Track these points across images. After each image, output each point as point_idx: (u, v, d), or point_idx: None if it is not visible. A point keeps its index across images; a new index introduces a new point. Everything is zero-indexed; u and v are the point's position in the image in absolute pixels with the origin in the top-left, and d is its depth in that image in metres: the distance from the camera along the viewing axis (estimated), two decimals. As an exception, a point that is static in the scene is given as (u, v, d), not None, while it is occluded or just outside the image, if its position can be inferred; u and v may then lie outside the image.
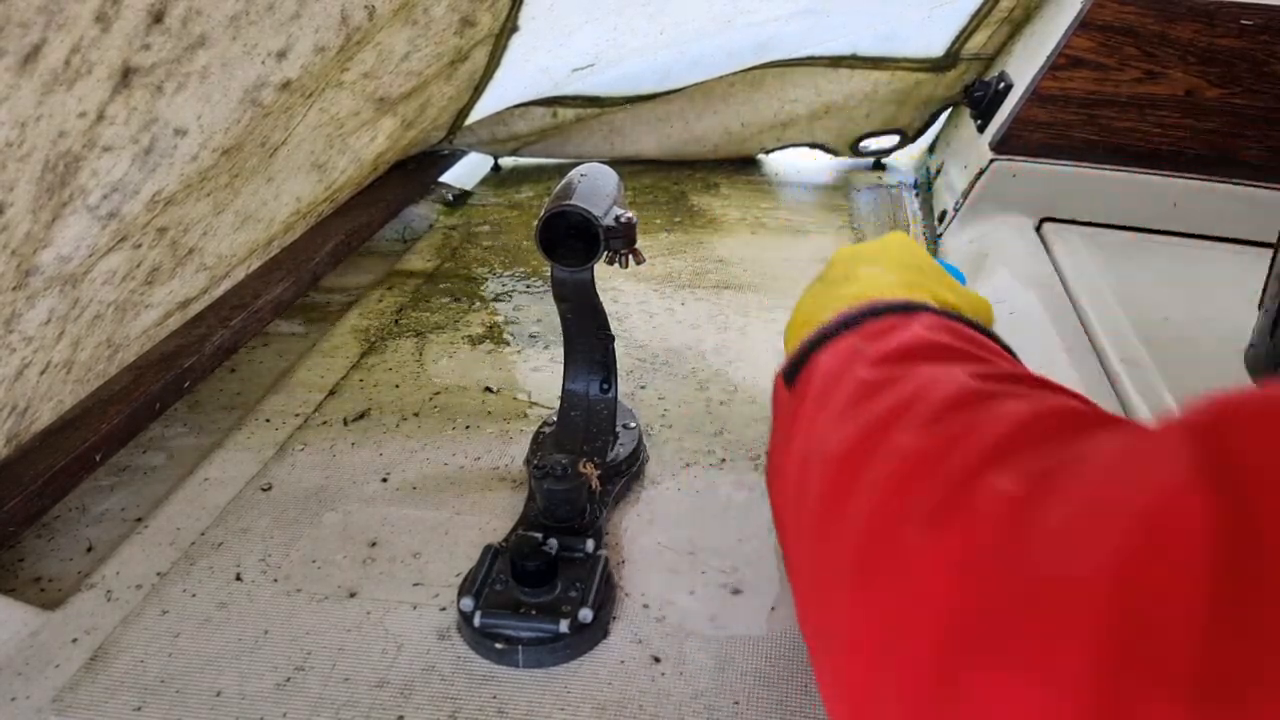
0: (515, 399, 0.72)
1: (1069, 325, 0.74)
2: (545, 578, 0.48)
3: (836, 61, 1.14)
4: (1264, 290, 0.66)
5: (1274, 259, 0.65)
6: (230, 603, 0.52)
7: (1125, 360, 0.68)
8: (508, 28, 0.88)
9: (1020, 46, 1.06)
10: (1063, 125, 0.94)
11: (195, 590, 0.53)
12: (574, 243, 0.56)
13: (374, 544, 0.56)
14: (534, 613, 0.48)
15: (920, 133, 1.23)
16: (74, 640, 0.49)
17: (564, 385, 0.63)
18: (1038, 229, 0.96)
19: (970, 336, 0.38)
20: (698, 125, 1.20)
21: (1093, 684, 0.21)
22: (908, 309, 0.40)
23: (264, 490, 0.61)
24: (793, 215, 1.10)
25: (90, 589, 0.53)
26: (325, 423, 0.69)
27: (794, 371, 0.40)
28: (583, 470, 0.54)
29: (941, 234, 1.01)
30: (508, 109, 1.14)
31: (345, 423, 0.69)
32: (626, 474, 0.60)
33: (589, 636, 0.48)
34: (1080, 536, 0.23)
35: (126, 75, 0.47)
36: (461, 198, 1.16)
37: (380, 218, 1.01)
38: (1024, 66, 0.99)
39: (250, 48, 0.55)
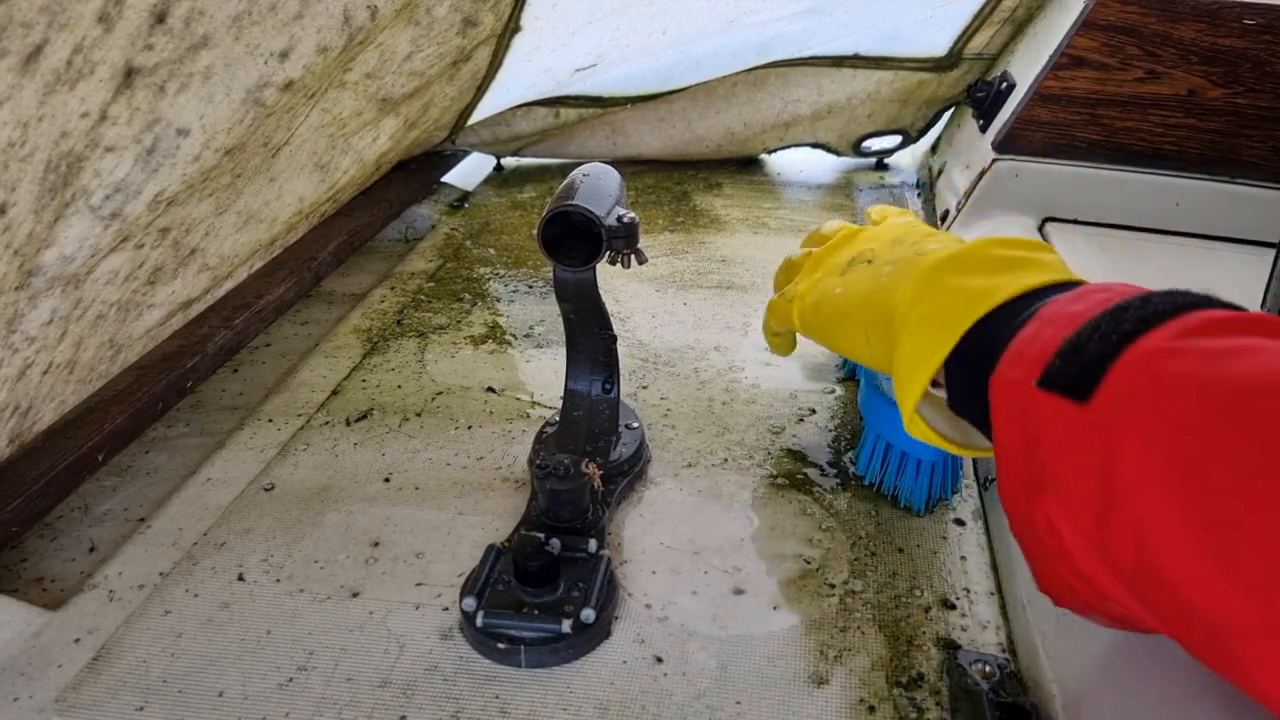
0: (517, 399, 0.72)
1: (1072, 325, 0.74)
2: (548, 578, 0.48)
3: (839, 61, 1.14)
4: (1266, 290, 0.66)
5: (1276, 259, 0.65)
6: (233, 603, 0.52)
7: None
8: (510, 28, 0.88)
9: (1023, 46, 1.06)
10: (1065, 125, 0.94)
11: (198, 590, 0.53)
12: (576, 243, 0.56)
13: (376, 544, 0.56)
14: (536, 613, 0.48)
15: (923, 132, 1.23)
16: (76, 640, 0.49)
17: (566, 385, 0.63)
18: (1040, 229, 0.96)
19: None
20: (700, 125, 1.20)
21: None
22: (1213, 304, 0.35)
23: (266, 490, 0.61)
24: (795, 215, 1.10)
25: (93, 589, 0.53)
26: (327, 423, 0.69)
27: (1082, 381, 0.34)
28: (585, 470, 0.54)
29: (944, 234, 1.01)
30: (510, 109, 1.14)
31: (348, 423, 0.69)
32: (629, 474, 0.60)
33: (591, 637, 0.48)
34: None
35: (129, 75, 0.47)
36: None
37: (382, 218, 1.01)
38: (1026, 66, 0.99)
39: (253, 48, 0.55)
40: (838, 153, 1.25)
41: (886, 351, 0.47)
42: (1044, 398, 0.35)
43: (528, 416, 0.70)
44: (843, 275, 0.53)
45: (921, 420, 0.46)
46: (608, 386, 0.63)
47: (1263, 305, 0.66)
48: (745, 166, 1.27)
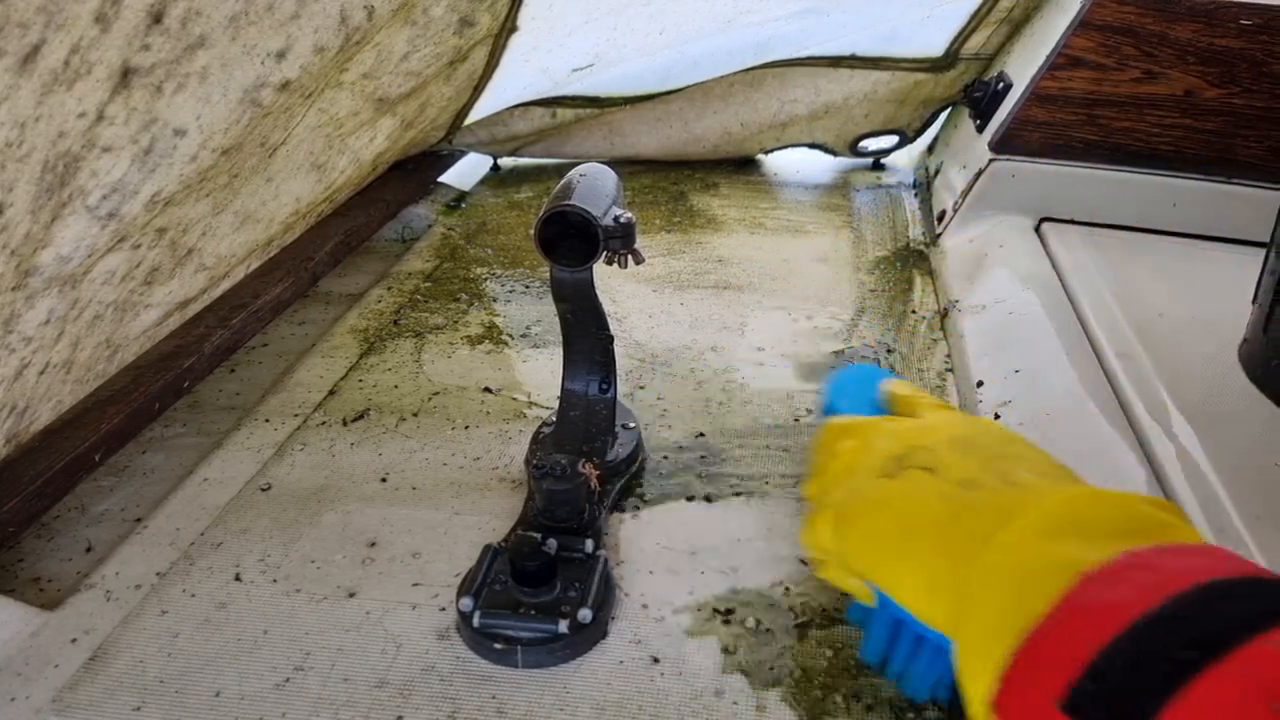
0: (514, 399, 0.72)
1: (1068, 324, 0.74)
2: (545, 578, 0.49)
3: (836, 61, 1.14)
4: (1257, 287, 0.66)
5: (1267, 255, 0.65)
6: (229, 603, 0.52)
7: (1122, 357, 0.68)
8: (507, 28, 0.88)
9: (1019, 46, 1.06)
10: (1062, 125, 0.95)
11: (195, 590, 0.53)
12: (573, 243, 0.56)
13: (373, 544, 0.56)
14: (533, 613, 0.48)
15: (919, 133, 1.23)
16: (73, 640, 0.49)
17: (563, 385, 0.63)
18: (1037, 229, 0.96)
19: None
20: (697, 125, 1.20)
21: None
22: None
23: (263, 490, 0.61)
24: (792, 215, 1.10)
25: (89, 589, 0.53)
26: (324, 423, 0.69)
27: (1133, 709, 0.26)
28: (582, 470, 0.55)
29: (940, 234, 1.01)
30: (507, 109, 1.14)
31: (344, 423, 0.69)
32: (626, 474, 0.60)
33: (588, 637, 0.48)
34: None
35: (126, 76, 0.47)
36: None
37: (379, 218, 1.01)
38: (1023, 66, 0.99)
39: (249, 48, 0.55)
40: (835, 153, 1.25)
41: (954, 602, 0.36)
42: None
43: (524, 416, 0.70)
44: (890, 478, 0.41)
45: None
46: (604, 386, 0.63)
47: (1254, 300, 0.66)
48: (742, 167, 1.27)
